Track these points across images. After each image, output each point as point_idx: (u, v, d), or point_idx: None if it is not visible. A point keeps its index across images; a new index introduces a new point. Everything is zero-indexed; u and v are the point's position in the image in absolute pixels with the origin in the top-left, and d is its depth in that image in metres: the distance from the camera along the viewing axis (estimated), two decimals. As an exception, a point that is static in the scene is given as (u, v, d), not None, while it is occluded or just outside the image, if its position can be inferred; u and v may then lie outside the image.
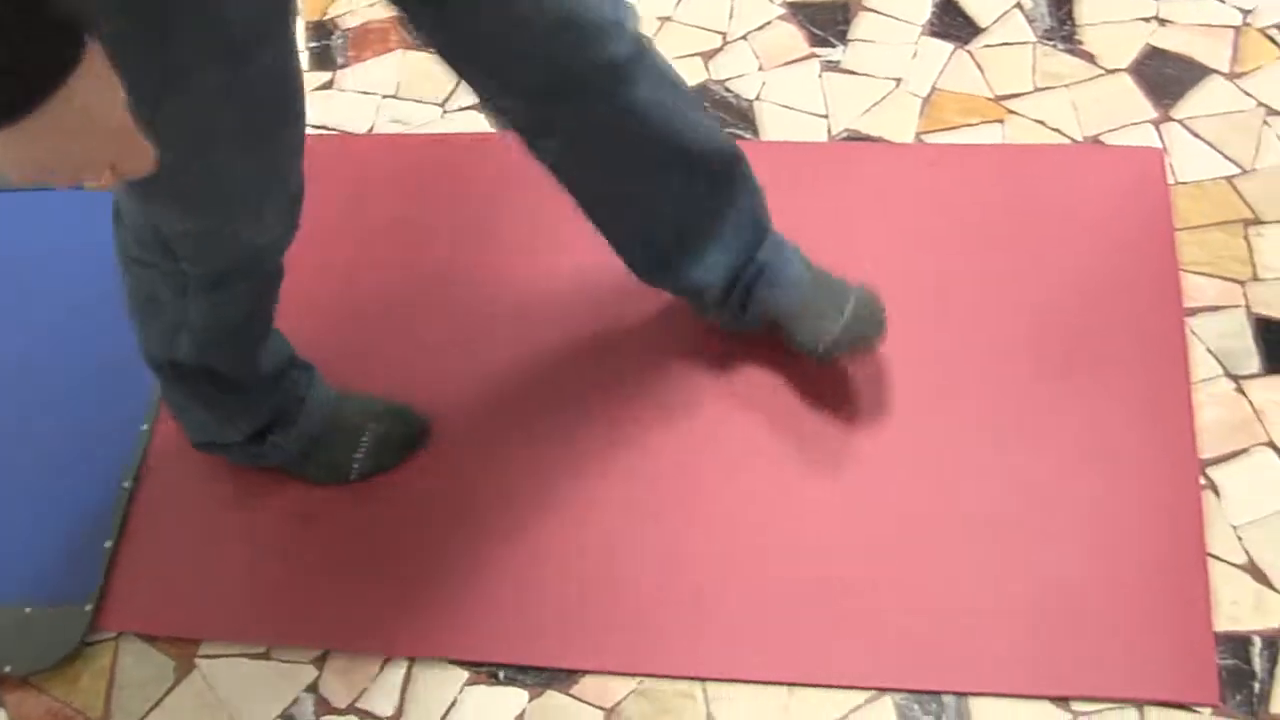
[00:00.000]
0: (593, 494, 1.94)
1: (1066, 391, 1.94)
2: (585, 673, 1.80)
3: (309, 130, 2.32)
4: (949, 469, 1.90)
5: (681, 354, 2.04)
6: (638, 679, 1.79)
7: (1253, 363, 1.95)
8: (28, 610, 1.92)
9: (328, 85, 2.45)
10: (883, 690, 1.76)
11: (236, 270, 1.63)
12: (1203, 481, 1.86)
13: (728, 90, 2.33)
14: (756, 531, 1.88)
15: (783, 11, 2.42)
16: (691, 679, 1.79)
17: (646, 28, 2.41)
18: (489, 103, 1.67)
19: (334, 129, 2.38)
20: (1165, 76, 2.26)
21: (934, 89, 2.29)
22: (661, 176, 1.75)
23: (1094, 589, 1.79)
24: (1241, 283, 2.03)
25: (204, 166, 1.38)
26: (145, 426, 2.06)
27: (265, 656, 1.87)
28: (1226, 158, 2.16)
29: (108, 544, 1.95)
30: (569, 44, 1.54)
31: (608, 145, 1.69)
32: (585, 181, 1.76)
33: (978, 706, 1.74)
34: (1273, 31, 2.30)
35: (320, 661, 1.86)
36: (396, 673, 1.83)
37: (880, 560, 1.84)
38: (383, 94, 2.41)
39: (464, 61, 1.59)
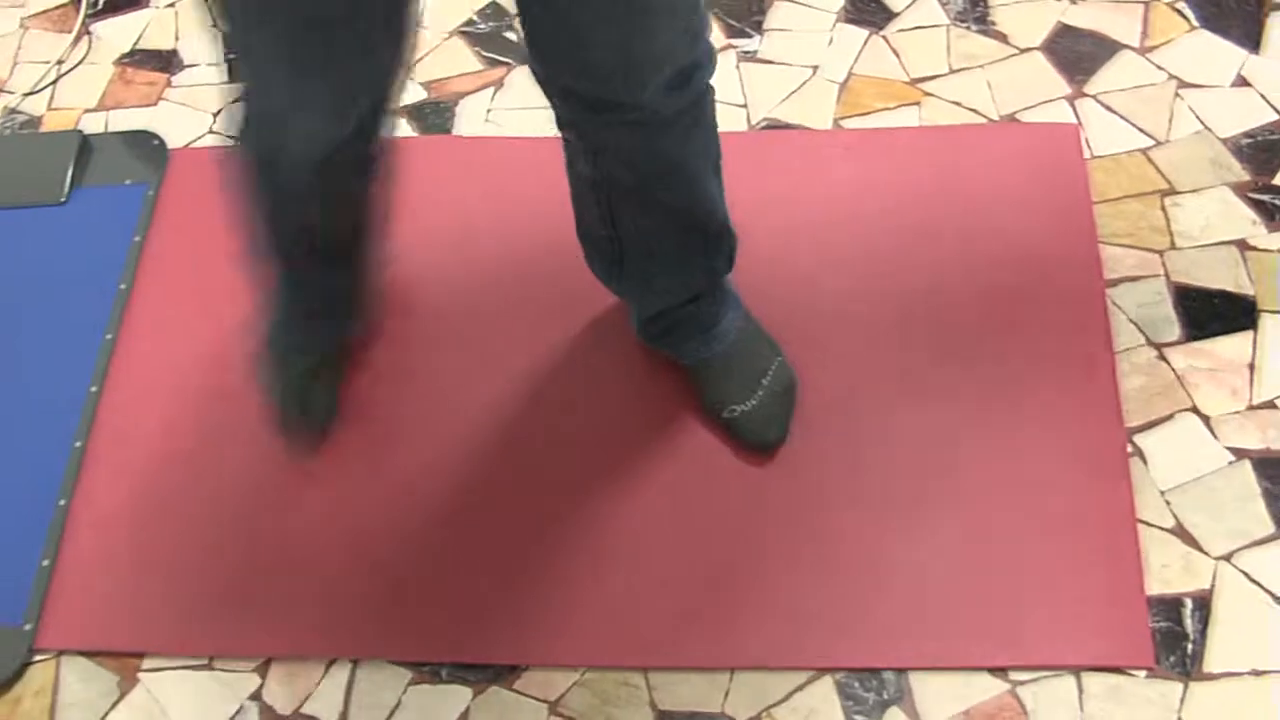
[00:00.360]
0: (524, 488, 1.95)
1: (993, 366, 1.96)
2: (527, 667, 1.81)
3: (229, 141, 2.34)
4: (871, 444, 1.92)
5: (621, 354, 2.05)
6: (580, 671, 1.80)
7: (1173, 330, 1.98)
8: (-34, 633, 1.91)
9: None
10: (823, 670, 1.77)
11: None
12: (1129, 448, 1.89)
13: (647, 84, 2.34)
14: (684, 520, 1.90)
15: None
16: (633, 668, 1.80)
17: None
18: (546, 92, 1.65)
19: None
20: (1077, 53, 2.29)
21: (850, 75, 2.31)
22: (662, 220, 1.78)
23: (1027, 559, 1.82)
24: (1160, 252, 2.06)
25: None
26: (79, 444, 2.05)
27: (208, 667, 1.86)
28: (1140, 130, 2.19)
29: (45, 562, 1.95)
30: (638, 65, 1.53)
31: (625, 178, 1.70)
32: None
33: (917, 681, 1.76)
34: (1181, 5, 2.34)
35: (263, 669, 1.85)
36: (340, 676, 1.84)
37: (813, 540, 1.86)
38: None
39: (537, 40, 1.56)
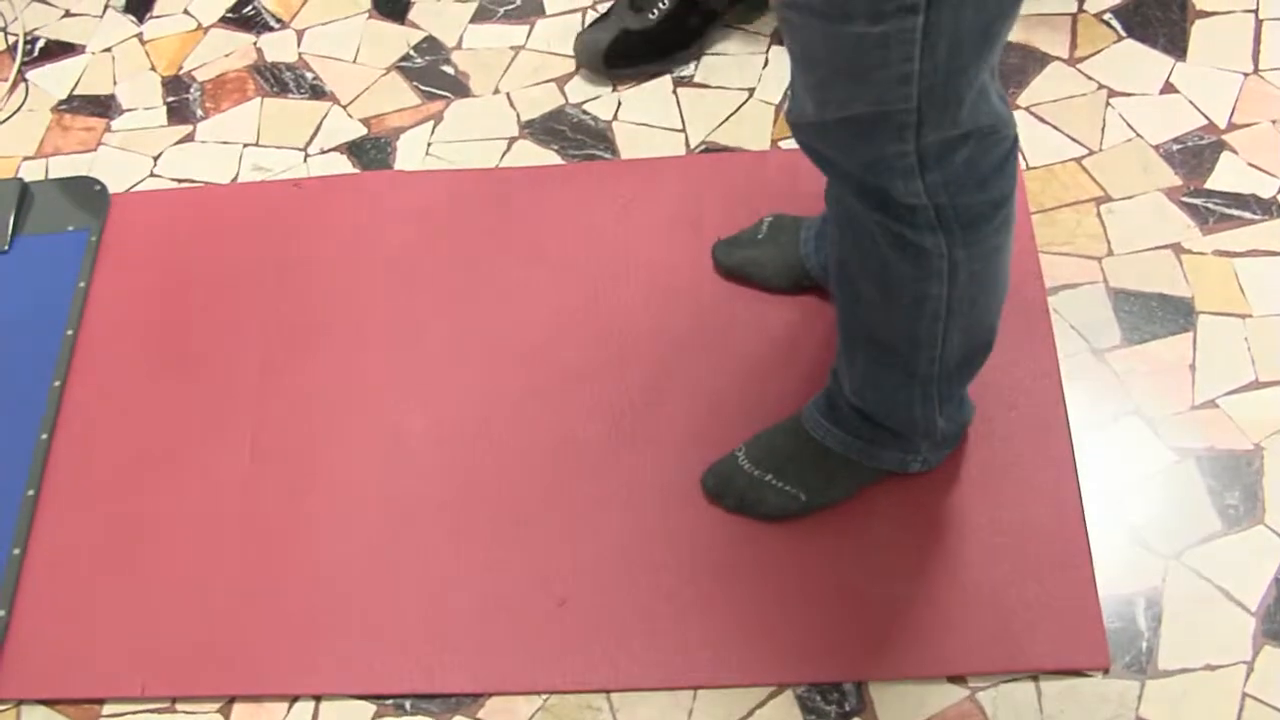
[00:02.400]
0: (480, 517, 1.96)
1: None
2: (490, 695, 1.82)
3: (170, 184, 2.34)
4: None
5: (566, 377, 2.07)
6: (542, 696, 1.81)
7: (1114, 334, 2.01)
8: (-76, 687, 1.90)
9: (188, 138, 2.45)
10: (783, 685, 1.79)
11: None
12: (1076, 452, 1.91)
13: (585, 113, 2.36)
14: (639, 542, 1.91)
15: (634, 31, 2.47)
16: (595, 691, 1.81)
17: (499, 59, 2.44)
18: None
19: (199, 181, 2.38)
20: (1008, 65, 2.32)
21: (786, 96, 2.33)
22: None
23: (980, 566, 1.84)
24: (1098, 259, 2.09)
25: None
26: (31, 492, 2.04)
27: (171, 710, 1.86)
28: (1073, 140, 2.22)
29: (1, 612, 1.94)
30: None
31: None
32: None
33: (877, 691, 1.77)
34: (1108, 16, 2.37)
35: (226, 709, 1.85)
36: (304, 713, 1.83)
37: (765, 558, 1.87)
38: (244, 142, 2.42)
39: None
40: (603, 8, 2.47)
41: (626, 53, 2.37)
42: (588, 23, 2.46)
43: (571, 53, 2.44)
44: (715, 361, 2.05)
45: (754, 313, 2.09)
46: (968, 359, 1.73)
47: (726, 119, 2.32)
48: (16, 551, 1.99)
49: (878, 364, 1.72)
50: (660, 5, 2.35)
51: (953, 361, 1.69)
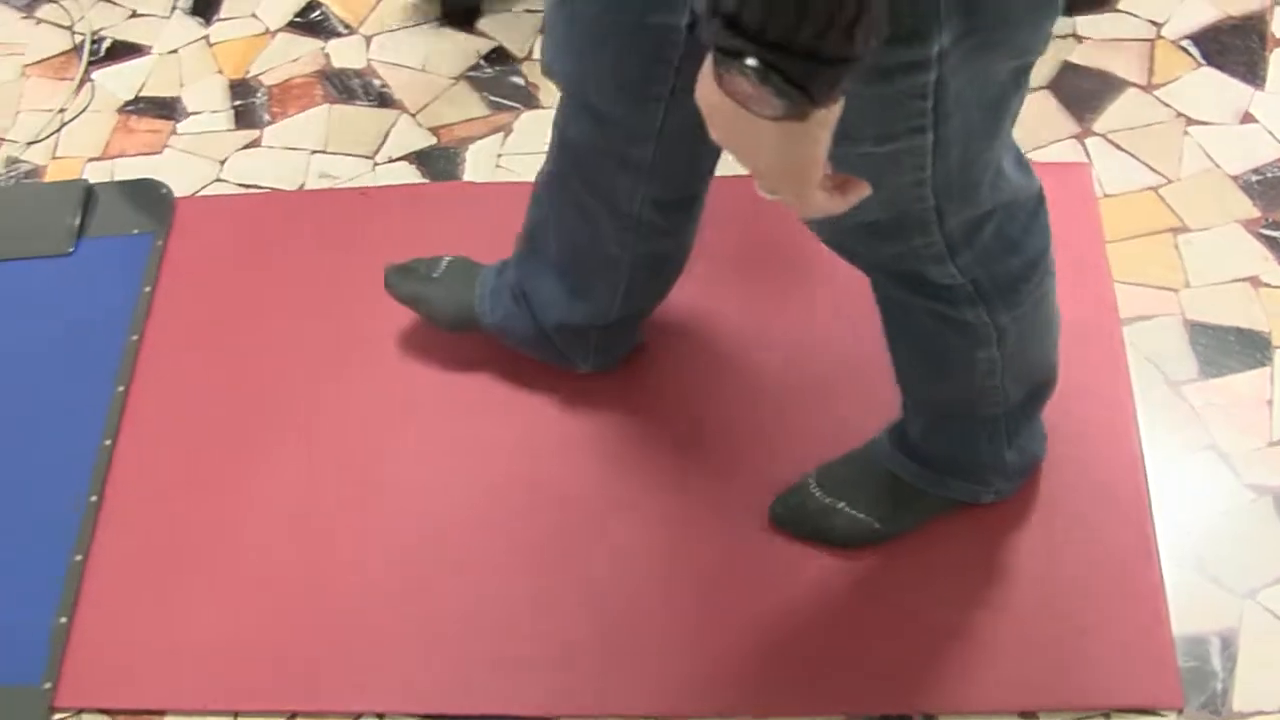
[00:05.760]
0: (554, 537, 1.94)
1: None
2: (558, 718, 1.80)
3: (236, 189, 2.33)
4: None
5: (614, 406, 2.05)
6: (608, 721, 1.80)
7: (1189, 368, 1.99)
8: (-16, 692, 1.90)
9: (254, 143, 2.44)
10: (850, 716, 1.77)
11: None
12: (1150, 486, 1.88)
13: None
14: (697, 568, 1.89)
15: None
16: (654, 718, 1.79)
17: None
18: None
19: (264, 187, 2.37)
20: (1083, 91, 2.30)
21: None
22: None
23: (1051, 598, 1.82)
24: (1174, 291, 2.06)
25: None
26: (94, 497, 2.03)
27: (231, 723, 1.86)
28: (1150, 168, 2.20)
29: (62, 619, 1.93)
30: None
31: None
32: None
33: (947, 726, 1.76)
34: (1185, 43, 2.35)
35: (287, 724, 1.85)
36: (365, 731, 1.83)
37: (831, 587, 1.85)
38: (311, 149, 2.41)
39: None
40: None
41: None
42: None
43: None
44: (785, 380, 2.04)
45: (817, 337, 2.07)
46: (1031, 396, 1.72)
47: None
48: (78, 558, 1.99)
49: (941, 417, 1.73)
50: None
51: (1015, 402, 1.69)
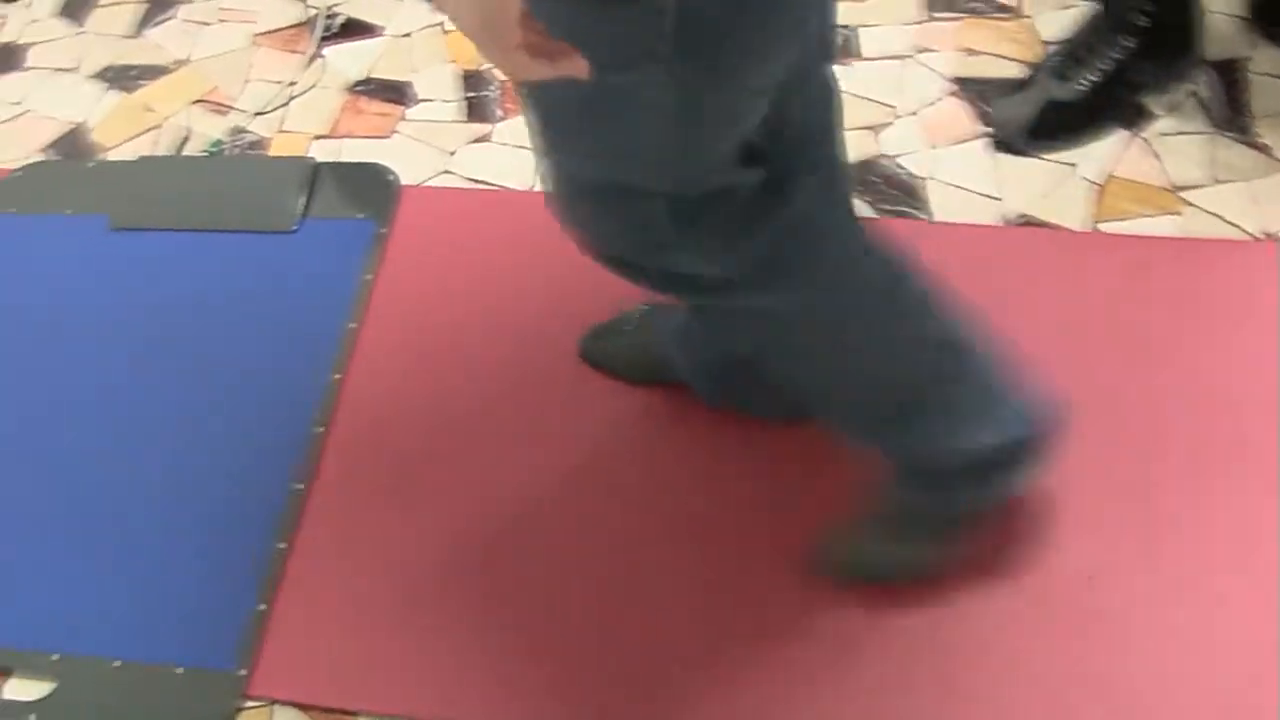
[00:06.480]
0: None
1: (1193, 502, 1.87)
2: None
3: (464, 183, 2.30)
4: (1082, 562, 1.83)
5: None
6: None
7: None
8: (179, 671, 1.87)
9: (485, 138, 2.40)
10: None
11: None
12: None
13: (899, 166, 2.27)
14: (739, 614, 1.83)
15: (953, 88, 2.37)
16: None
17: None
18: None
19: (493, 184, 2.33)
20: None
21: (1109, 176, 2.22)
22: None
23: (1191, 680, 1.72)
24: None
25: None
26: (300, 486, 2.01)
27: (427, 733, 1.81)
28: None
29: (261, 606, 1.91)
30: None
31: None
32: None
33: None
34: None
35: (485, 741, 1.80)
36: (563, 757, 1.78)
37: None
38: (542, 150, 2.37)
39: None
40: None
41: (1054, 125, 2.27)
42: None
43: (891, 102, 2.35)
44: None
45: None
46: (875, 402, 1.67)
47: (1047, 193, 2.21)
48: (281, 545, 1.96)
49: (826, 415, 1.74)
50: (1088, 76, 2.25)
51: (851, 396, 1.67)
